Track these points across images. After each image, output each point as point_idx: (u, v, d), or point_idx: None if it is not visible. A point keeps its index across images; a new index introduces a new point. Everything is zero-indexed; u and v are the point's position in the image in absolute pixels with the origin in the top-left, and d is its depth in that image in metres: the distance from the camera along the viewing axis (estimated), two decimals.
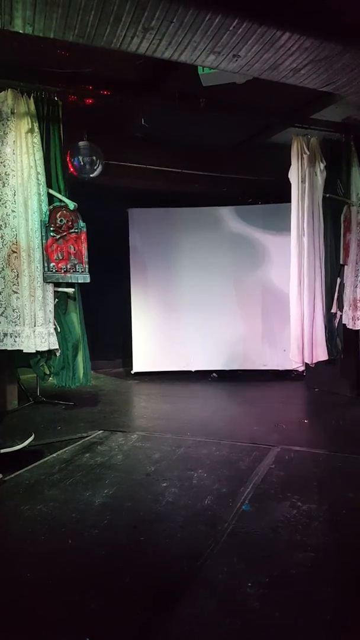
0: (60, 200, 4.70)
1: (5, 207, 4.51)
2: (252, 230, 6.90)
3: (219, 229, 6.96)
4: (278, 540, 2.42)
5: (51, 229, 4.63)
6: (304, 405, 5.64)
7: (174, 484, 3.09)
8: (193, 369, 7.00)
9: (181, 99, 4.78)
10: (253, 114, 5.29)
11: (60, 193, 4.72)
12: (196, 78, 4.16)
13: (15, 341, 4.56)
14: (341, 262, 5.35)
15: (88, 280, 4.79)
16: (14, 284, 4.56)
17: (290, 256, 5.30)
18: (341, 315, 5.35)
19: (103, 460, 3.55)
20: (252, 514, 2.69)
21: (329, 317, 5.30)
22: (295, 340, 5.26)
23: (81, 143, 5.21)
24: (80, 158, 5.22)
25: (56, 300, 4.73)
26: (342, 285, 5.35)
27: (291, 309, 5.33)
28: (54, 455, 3.68)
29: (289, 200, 5.29)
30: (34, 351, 4.57)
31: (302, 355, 5.19)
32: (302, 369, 5.70)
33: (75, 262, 4.74)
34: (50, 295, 4.66)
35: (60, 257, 4.66)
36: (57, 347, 4.67)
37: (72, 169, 5.27)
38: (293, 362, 5.42)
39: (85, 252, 4.77)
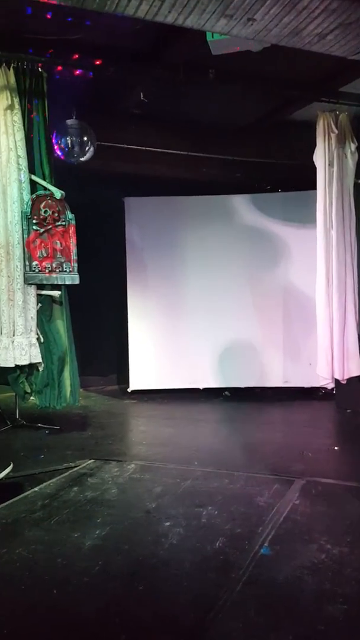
0: (45, 188, 4.75)
1: None
2: (270, 223, 6.93)
3: (232, 221, 7.00)
4: (304, 590, 2.40)
5: (34, 221, 4.68)
6: (334, 430, 5.62)
7: (178, 523, 3.07)
8: (201, 387, 7.00)
9: (187, 70, 4.85)
10: (271, 86, 5.35)
11: (44, 180, 4.78)
12: (205, 45, 4.21)
13: None
14: None
15: (77, 282, 4.83)
16: None
17: (316, 252, 5.31)
18: None
19: (94, 495, 3.53)
20: (272, 559, 2.66)
21: None
22: (323, 351, 5.25)
23: (69, 121, 5.28)
24: (69, 139, 5.29)
25: (39, 305, 4.76)
26: None
27: (318, 315, 5.34)
28: (36, 489, 3.67)
29: (314, 187, 5.33)
30: (13, 365, 4.60)
31: (331, 369, 5.17)
32: (331, 386, 5.70)
33: (62, 261, 4.78)
34: (32, 299, 4.70)
35: (45, 255, 4.71)
36: (40, 360, 4.70)
37: (58, 152, 5.33)
38: (320, 378, 5.41)
39: (73, 248, 4.82)
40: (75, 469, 4.09)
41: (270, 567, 2.59)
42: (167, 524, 3.07)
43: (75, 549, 2.81)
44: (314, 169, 5.31)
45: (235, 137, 6.61)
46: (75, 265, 4.82)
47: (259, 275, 6.98)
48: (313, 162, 5.33)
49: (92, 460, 4.28)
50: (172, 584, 2.48)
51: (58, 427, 5.25)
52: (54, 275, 4.74)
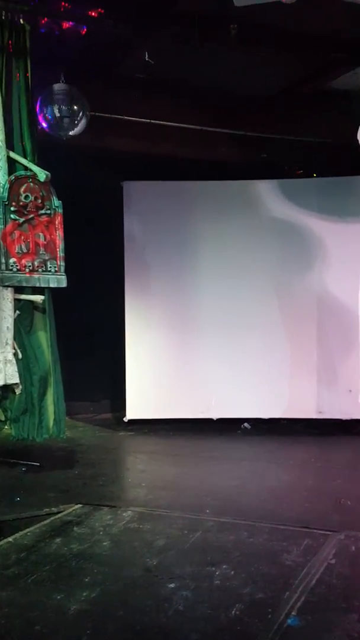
0: (26, 168, 4.83)
1: None
2: (303, 215, 6.96)
3: (255, 213, 7.04)
4: None
5: (12, 209, 4.75)
6: None
7: (186, 585, 3.06)
8: (215, 417, 7.01)
9: (203, 25, 4.93)
10: (306, 46, 5.41)
11: (26, 158, 4.85)
12: None
13: None
14: None
15: (64, 284, 4.88)
16: None
17: (359, 253, 5.34)
18: None
19: (82, 548, 3.53)
20: (301, 632, 2.65)
21: None
22: None
23: (57, 86, 5.36)
24: (56, 108, 5.37)
25: (17, 312, 4.82)
26: None
27: None
28: (10, 539, 3.67)
29: (357, 171, 5.37)
30: None
31: None
32: None
33: (46, 258, 4.84)
34: (8, 305, 4.76)
35: (25, 250, 4.77)
36: (16, 381, 4.74)
37: (43, 124, 5.42)
38: None
39: (60, 243, 4.88)
40: (59, 515, 4.09)
41: None
42: (172, 585, 3.06)
43: (57, 614, 2.81)
44: (357, 149, 5.35)
45: (260, 109, 6.67)
46: (62, 264, 4.87)
47: (288, 281, 7.01)
48: (357, 141, 5.37)
49: (80, 506, 4.28)
50: None
51: (38, 464, 5.26)
52: (35, 275, 4.80)
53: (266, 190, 7.03)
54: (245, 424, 6.97)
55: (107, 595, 2.99)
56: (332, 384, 6.91)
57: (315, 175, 7.24)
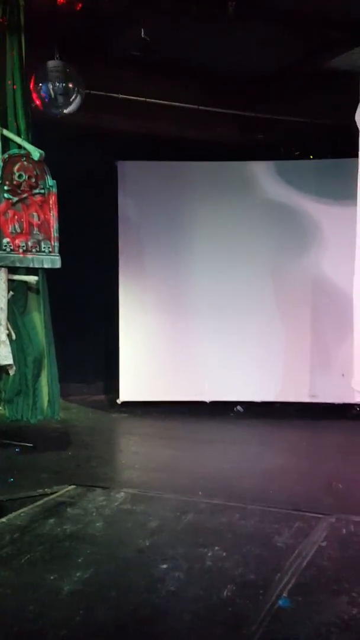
0: (20, 147, 4.78)
1: None
2: (299, 197, 6.95)
3: (251, 195, 7.02)
4: None
5: (5, 187, 4.71)
6: None
7: (178, 566, 3.09)
8: (208, 400, 7.04)
9: (200, 2, 4.86)
10: (305, 25, 5.35)
11: (19, 136, 4.81)
12: None
13: None
14: None
15: (58, 265, 4.86)
16: None
17: (355, 237, 5.33)
18: None
19: (75, 528, 3.56)
20: (292, 613, 2.68)
21: None
22: None
23: (51, 63, 5.30)
24: (50, 85, 5.31)
25: (11, 293, 4.80)
26: None
27: (355, 316, 5.34)
28: (4, 520, 3.70)
29: (356, 153, 5.33)
30: None
31: None
32: None
33: (40, 238, 4.81)
34: (2, 285, 4.74)
35: (19, 230, 4.74)
36: (10, 362, 4.74)
37: (37, 101, 5.36)
38: (356, 392, 5.43)
39: (54, 223, 4.85)
40: (52, 496, 4.11)
41: (290, 623, 2.62)
42: (164, 566, 3.09)
43: (50, 594, 2.84)
44: (355, 130, 5.31)
45: (257, 88, 6.61)
46: (56, 244, 4.85)
47: (283, 264, 7.01)
48: (355, 122, 5.33)
49: (73, 487, 4.30)
50: None
51: (31, 445, 5.28)
52: (29, 256, 4.77)
53: (263, 172, 7.00)
54: (238, 407, 7.01)
55: (100, 575, 3.03)
56: (326, 368, 6.95)
57: (312, 156, 7.19)
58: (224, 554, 3.24)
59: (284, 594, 2.84)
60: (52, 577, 2.98)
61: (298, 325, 6.99)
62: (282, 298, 7.00)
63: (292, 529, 3.57)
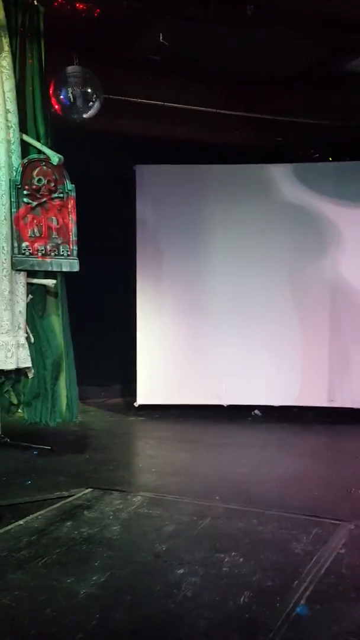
0: (40, 151, 4.82)
1: None
2: (318, 200, 6.91)
3: (269, 198, 7.00)
4: None
5: (25, 192, 4.75)
6: None
7: (194, 571, 3.08)
8: (225, 404, 7.03)
9: (219, 5, 4.86)
10: (324, 27, 5.33)
11: (39, 141, 4.84)
12: None
13: None
14: None
15: (76, 269, 4.89)
16: None
17: None
18: None
19: (92, 532, 3.57)
20: (310, 621, 2.66)
21: None
22: None
23: (70, 68, 5.34)
24: (70, 90, 5.35)
25: (30, 296, 4.84)
26: None
27: None
28: (21, 522, 3.71)
29: None
30: None
31: None
32: None
33: (59, 242, 4.84)
34: (21, 289, 4.78)
35: (37, 234, 4.78)
36: (29, 365, 4.76)
37: (57, 106, 5.39)
38: None
39: (73, 227, 4.88)
40: (69, 499, 4.13)
41: (308, 631, 2.59)
42: (181, 571, 3.09)
43: (67, 598, 2.84)
44: None
45: (276, 91, 6.60)
46: (75, 248, 4.87)
47: (301, 268, 6.98)
48: None
49: (90, 490, 4.32)
50: None
51: (50, 448, 5.31)
52: (48, 260, 4.80)
53: (281, 175, 6.98)
54: (256, 411, 6.98)
55: (116, 579, 3.02)
56: (344, 372, 6.90)
57: (331, 159, 7.15)
58: (241, 559, 3.22)
59: (302, 602, 2.81)
60: (68, 581, 2.99)
61: (316, 328, 6.94)
62: (301, 301, 6.96)
63: (310, 535, 3.54)
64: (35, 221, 4.79)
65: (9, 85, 4.68)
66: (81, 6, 4.93)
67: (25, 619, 2.68)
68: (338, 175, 6.94)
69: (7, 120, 4.70)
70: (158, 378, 7.06)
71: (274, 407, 6.95)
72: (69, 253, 4.85)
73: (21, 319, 4.76)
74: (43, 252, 4.79)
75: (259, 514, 3.88)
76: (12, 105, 4.70)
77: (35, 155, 4.82)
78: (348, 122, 6.51)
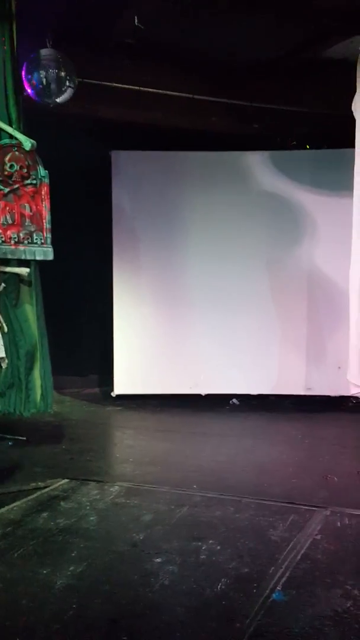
0: (11, 137, 4.75)
1: None
2: (295, 189, 6.93)
3: (246, 186, 7.00)
4: None
5: None
6: None
7: (172, 559, 3.11)
8: (203, 393, 7.06)
9: None
10: (302, 13, 5.32)
11: (10, 125, 4.78)
12: None
13: None
14: None
15: (50, 257, 4.85)
16: None
17: (351, 228, 5.33)
18: None
19: (68, 522, 3.58)
20: (286, 606, 2.71)
21: None
22: (356, 353, 5.29)
23: (44, 51, 5.26)
24: (42, 74, 5.27)
25: (3, 285, 4.79)
26: None
27: (351, 309, 5.36)
28: None
29: (352, 144, 5.33)
30: None
31: None
32: None
33: (32, 230, 4.80)
34: None
35: (10, 222, 4.72)
36: (2, 355, 4.73)
37: (29, 90, 5.32)
38: (351, 385, 5.46)
39: (46, 214, 4.83)
40: (45, 490, 4.13)
41: (284, 616, 2.64)
42: (158, 560, 3.12)
43: (43, 588, 2.86)
44: (352, 120, 5.31)
45: (253, 78, 6.58)
46: (49, 235, 4.83)
47: (279, 256, 7.01)
48: (351, 112, 5.32)
49: (66, 480, 4.32)
50: (163, 635, 2.53)
51: (24, 438, 5.31)
52: (21, 247, 4.76)
53: (258, 162, 6.98)
54: (234, 400, 7.03)
55: (93, 569, 3.04)
56: (321, 360, 6.97)
57: (308, 147, 7.17)
58: (218, 547, 3.26)
59: (278, 587, 2.86)
60: (45, 572, 3.00)
61: (293, 317, 6.99)
62: (278, 290, 7.00)
63: (286, 522, 3.60)
64: (7, 208, 4.73)
65: None
66: None
67: (2, 611, 2.69)
68: (315, 164, 6.96)
69: None
70: (135, 367, 7.06)
71: (252, 396, 7.00)
72: (42, 241, 4.81)
73: None
74: (16, 239, 4.74)
75: (236, 501, 3.93)
76: None
77: (7, 141, 4.75)
78: (325, 109, 6.51)
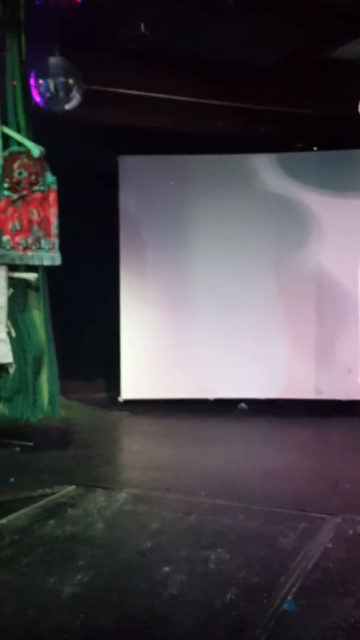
0: (20, 144, 4.77)
1: None
2: (302, 190, 6.90)
3: (253, 188, 6.98)
4: None
5: (5, 185, 4.70)
6: None
7: (180, 568, 3.08)
8: (211, 397, 7.02)
9: None
10: (307, 15, 5.31)
11: (19, 133, 4.80)
12: None
13: None
14: None
15: (58, 262, 4.85)
16: None
17: (359, 230, 5.31)
18: None
19: (75, 530, 3.55)
20: (297, 617, 2.67)
21: None
22: None
23: (52, 59, 5.27)
24: (51, 81, 5.29)
25: (10, 290, 4.80)
26: None
27: None
28: (4, 521, 3.69)
29: (359, 145, 5.30)
30: None
31: None
32: None
33: (40, 235, 4.80)
34: (2, 283, 4.73)
35: (18, 228, 4.73)
36: (10, 360, 4.73)
37: (37, 98, 5.33)
38: None
39: (54, 220, 4.84)
40: (53, 497, 4.11)
41: (295, 627, 2.60)
42: (166, 569, 3.08)
43: (50, 597, 2.83)
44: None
45: (259, 81, 6.57)
46: (56, 241, 4.84)
47: (286, 258, 6.97)
48: (359, 113, 5.30)
49: (74, 487, 4.30)
50: None
51: (32, 444, 5.28)
52: (29, 253, 4.77)
53: (265, 165, 6.96)
54: (242, 405, 6.98)
55: (100, 578, 3.01)
56: (331, 363, 6.91)
57: (315, 148, 7.14)
58: (228, 556, 3.22)
59: (289, 597, 2.82)
60: (52, 580, 2.98)
61: (302, 320, 6.94)
62: (285, 293, 6.96)
63: (297, 530, 3.55)
64: (16, 214, 4.75)
65: None
66: None
67: (8, 619, 2.67)
68: (322, 165, 6.92)
69: None
70: (142, 372, 7.03)
71: (260, 400, 6.95)
72: (50, 246, 4.82)
73: (2, 314, 4.73)
74: (24, 245, 4.75)
75: (245, 509, 3.88)
76: None
77: (16, 148, 4.78)
78: (332, 111, 6.49)
